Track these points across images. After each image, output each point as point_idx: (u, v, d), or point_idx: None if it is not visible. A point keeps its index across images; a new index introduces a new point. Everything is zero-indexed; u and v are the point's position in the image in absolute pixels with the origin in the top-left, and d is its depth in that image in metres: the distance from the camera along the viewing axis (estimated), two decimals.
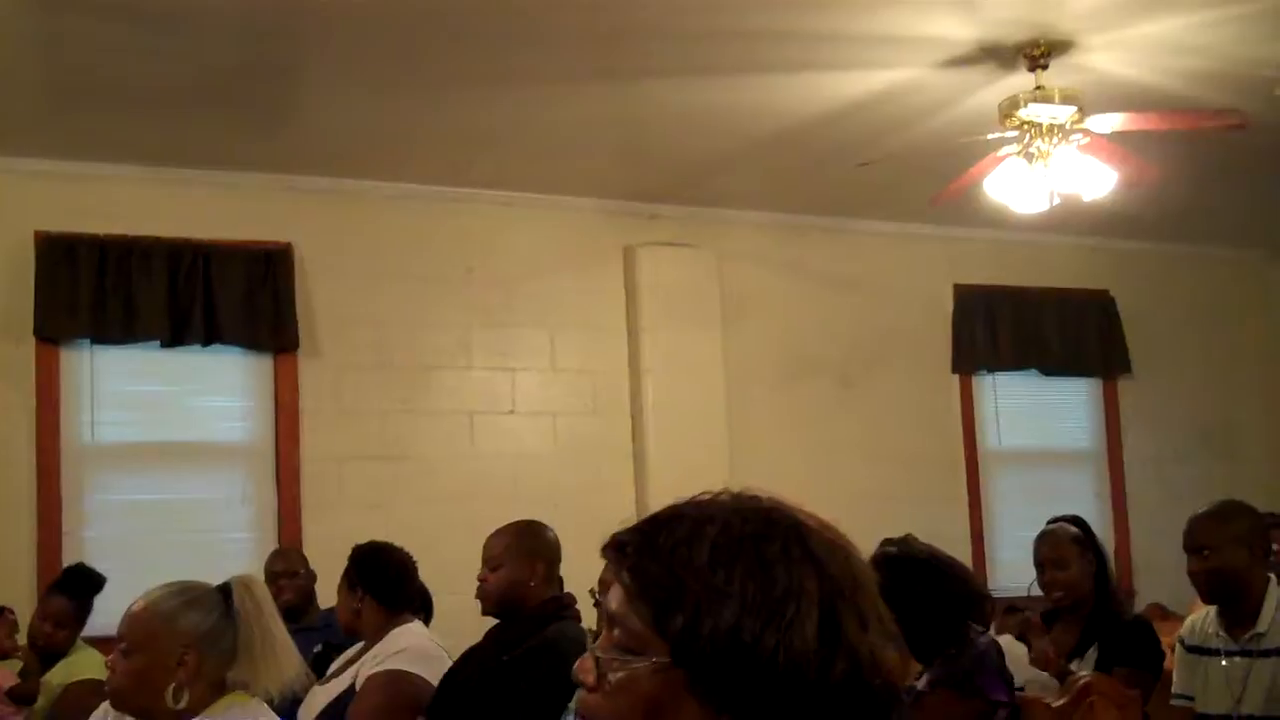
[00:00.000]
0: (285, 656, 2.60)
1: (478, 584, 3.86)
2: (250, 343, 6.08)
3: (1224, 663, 3.56)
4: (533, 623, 3.72)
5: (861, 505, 6.20)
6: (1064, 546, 4.00)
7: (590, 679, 1.19)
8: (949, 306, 7.60)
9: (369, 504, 6.10)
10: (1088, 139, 4.92)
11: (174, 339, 5.89)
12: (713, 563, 1.14)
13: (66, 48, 4.70)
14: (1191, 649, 3.69)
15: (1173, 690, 3.75)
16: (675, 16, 4.65)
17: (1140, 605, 6.86)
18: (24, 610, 4.82)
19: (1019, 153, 4.96)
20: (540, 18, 4.62)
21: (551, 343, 6.70)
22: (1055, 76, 4.92)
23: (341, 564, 4.24)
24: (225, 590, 2.60)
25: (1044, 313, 7.77)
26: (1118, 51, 5.02)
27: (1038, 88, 4.86)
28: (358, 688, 3.82)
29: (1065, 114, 4.83)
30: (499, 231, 6.63)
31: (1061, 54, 4.93)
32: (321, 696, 3.92)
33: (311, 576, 5.50)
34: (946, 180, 5.42)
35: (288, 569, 5.45)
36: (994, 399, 7.72)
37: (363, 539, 4.32)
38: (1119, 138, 4.98)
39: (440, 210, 6.51)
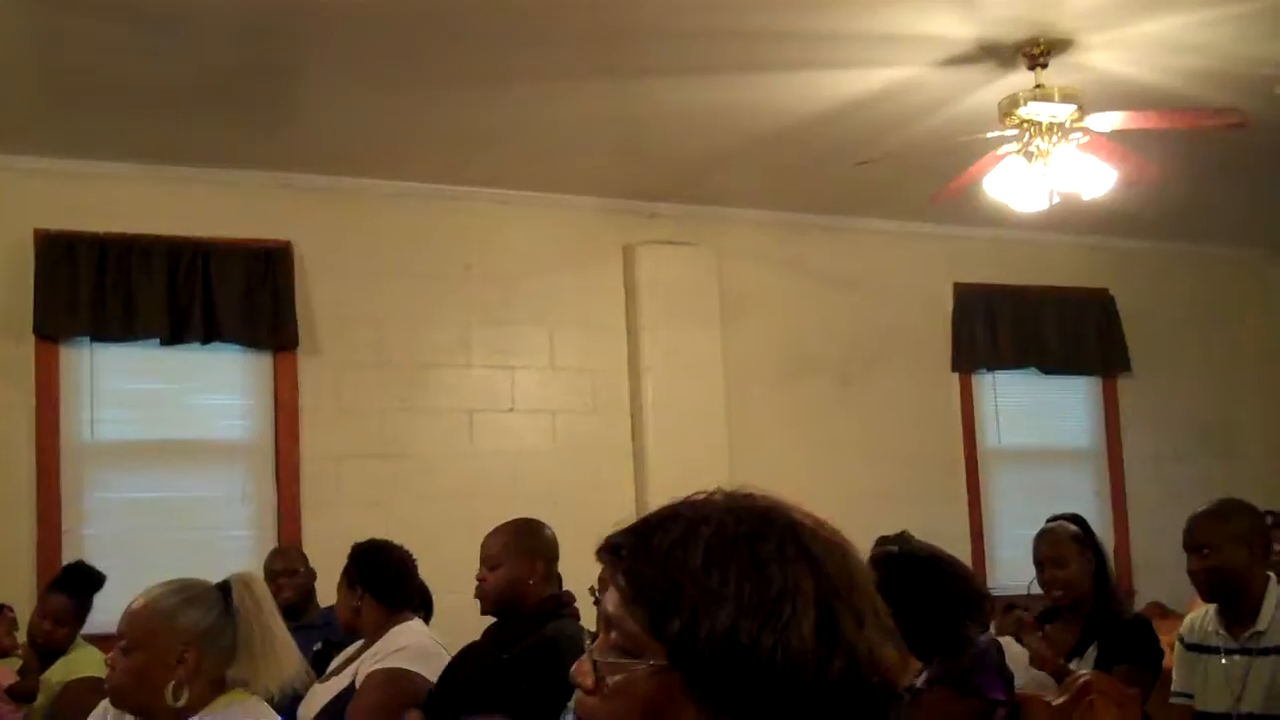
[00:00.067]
0: (285, 654, 2.61)
1: (477, 583, 3.86)
2: (250, 341, 6.08)
3: (1223, 661, 3.57)
4: (531, 621, 3.72)
5: (861, 504, 6.21)
6: (1063, 545, 4.01)
7: (588, 682, 1.19)
8: (949, 305, 7.60)
9: (368, 502, 6.10)
10: (1087, 138, 4.92)
11: (173, 337, 5.89)
12: (708, 564, 1.14)
13: (66, 46, 4.70)
14: (1191, 647, 3.69)
15: (1172, 688, 3.75)
16: (674, 15, 4.64)
17: (1140, 604, 6.86)
18: (23, 608, 4.83)
19: (1019, 151, 4.96)
20: (539, 17, 4.62)
21: (551, 341, 6.70)
22: (1055, 75, 4.92)
23: (341, 562, 4.24)
24: (225, 588, 2.60)
25: (1044, 311, 7.77)
26: (1117, 50, 5.02)
27: (1037, 86, 4.86)
28: (357, 685, 3.82)
29: (1065, 113, 4.83)
30: (498, 229, 6.63)
31: (1061, 53, 4.93)
32: (321, 694, 3.92)
33: (311, 574, 5.50)
34: (946, 179, 5.42)
35: (287, 567, 5.45)
36: (994, 397, 7.72)
37: (362, 537, 4.32)
38: (1118, 136, 4.98)
39: (439, 208, 6.51)
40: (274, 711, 2.61)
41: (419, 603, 4.43)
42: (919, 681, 3.03)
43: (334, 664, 4.16)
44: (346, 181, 6.29)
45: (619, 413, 6.76)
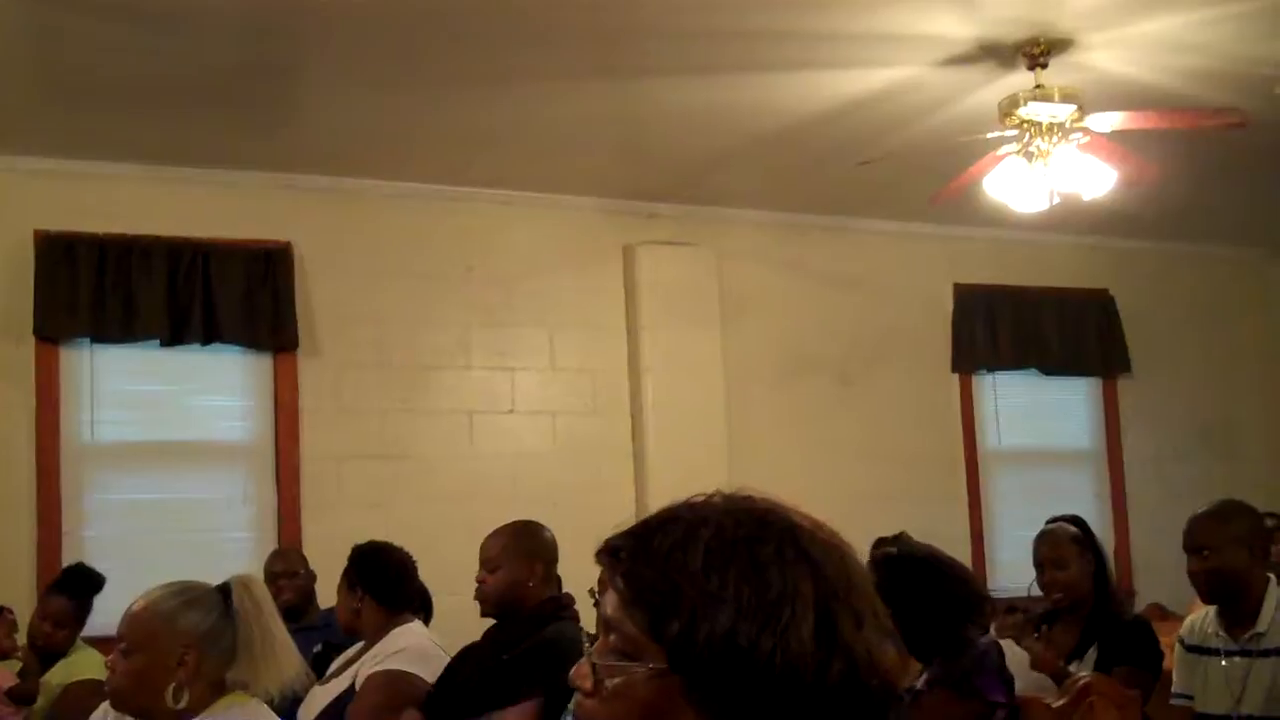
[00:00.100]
0: (285, 656, 2.60)
1: (476, 585, 3.86)
2: (250, 342, 6.08)
3: (1224, 662, 3.57)
4: (531, 623, 3.72)
5: (861, 505, 6.20)
6: (1063, 546, 4.01)
7: (587, 684, 1.19)
8: (949, 305, 7.60)
9: (368, 503, 6.10)
10: (1087, 138, 4.92)
11: (173, 338, 5.89)
12: (707, 567, 1.14)
13: (66, 46, 4.70)
14: (1191, 649, 3.69)
15: (1172, 690, 3.75)
16: (674, 15, 4.64)
17: (1140, 605, 6.86)
18: (23, 610, 4.82)
19: (1019, 152, 4.96)
20: (540, 17, 4.61)
21: (551, 342, 6.70)
22: (1055, 75, 4.91)
23: (341, 564, 4.25)
24: (225, 590, 2.60)
25: (1044, 312, 7.77)
26: (1117, 50, 5.02)
27: (1037, 86, 4.86)
28: (357, 687, 3.82)
29: (1065, 113, 4.83)
30: (498, 230, 6.63)
31: (1061, 52, 4.93)
32: (321, 696, 3.92)
33: (311, 576, 5.50)
34: (946, 179, 5.42)
35: (287, 569, 5.45)
36: (994, 398, 7.72)
37: (362, 538, 4.33)
38: (1119, 136, 4.98)
39: (439, 209, 6.51)
40: (274, 714, 2.61)
41: (419, 604, 4.43)
42: (919, 683, 3.03)
43: (334, 666, 4.16)
44: (347, 182, 6.29)
45: (619, 414, 6.76)
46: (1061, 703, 3.33)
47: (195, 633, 2.51)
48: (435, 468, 6.36)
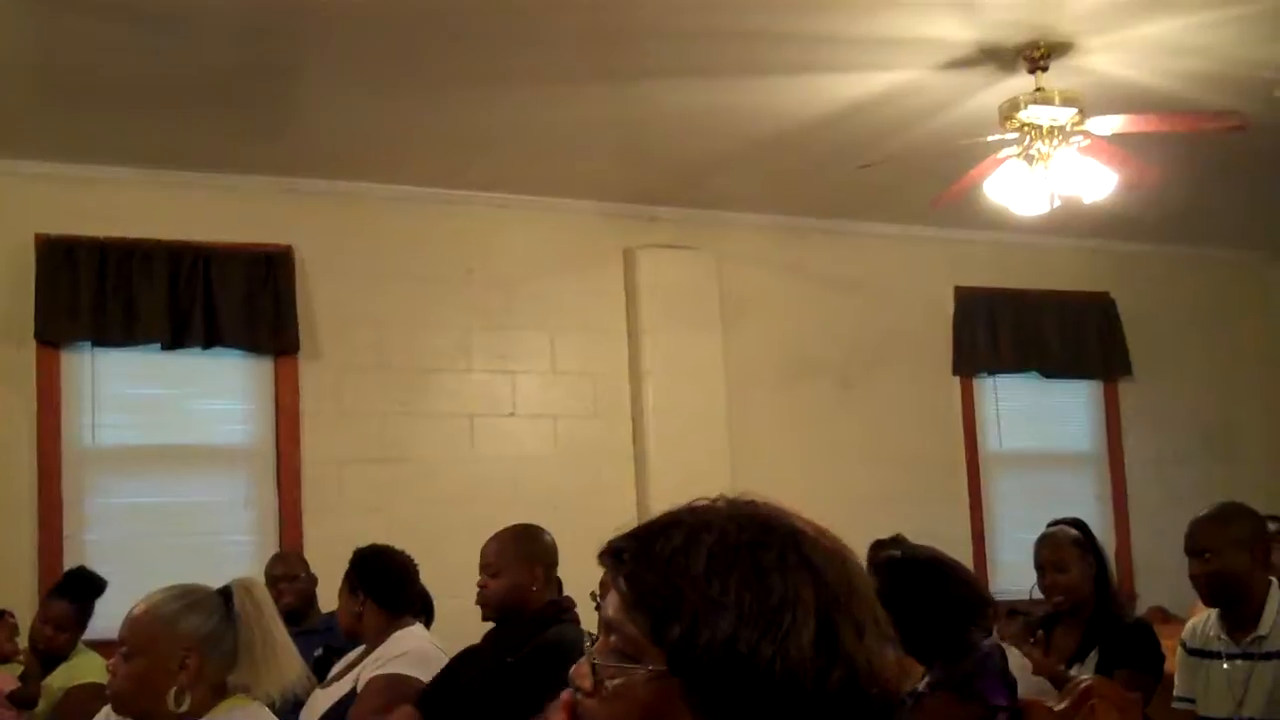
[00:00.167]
0: (286, 659, 2.60)
1: (478, 589, 3.85)
2: (251, 345, 6.08)
3: (1225, 666, 3.56)
4: (533, 625, 3.72)
5: (862, 507, 6.21)
6: (1064, 549, 4.01)
7: (587, 684, 1.19)
8: (949, 308, 7.60)
9: (369, 507, 6.10)
10: (1088, 141, 4.92)
11: (174, 342, 5.89)
12: (709, 572, 1.14)
13: (67, 50, 4.71)
14: (1193, 652, 3.69)
15: (1174, 693, 3.75)
16: (675, 17, 4.65)
17: (1142, 608, 6.86)
18: (25, 613, 4.83)
19: (1019, 155, 4.96)
20: (539, 18, 4.61)
21: (551, 345, 6.70)
22: (1055, 78, 4.92)
23: (342, 567, 4.24)
24: (226, 593, 2.60)
25: (1045, 315, 7.77)
26: (1117, 53, 5.03)
27: (1038, 90, 4.86)
28: (359, 691, 3.82)
29: (1065, 116, 4.83)
30: (498, 233, 6.63)
31: (1061, 56, 4.94)
32: (323, 700, 3.92)
33: (312, 580, 5.49)
34: (947, 182, 5.42)
35: (287, 572, 5.44)
36: (995, 401, 7.72)
37: (363, 542, 4.33)
38: (1119, 139, 4.98)
39: (439, 212, 6.52)
40: (275, 717, 2.61)
41: (420, 608, 4.43)
42: (921, 686, 3.03)
43: (335, 669, 4.16)
44: (347, 185, 6.29)
45: (620, 417, 6.76)
46: (1063, 706, 3.33)
47: (196, 636, 2.51)
48: (436, 471, 6.36)
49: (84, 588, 4.60)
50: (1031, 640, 3.87)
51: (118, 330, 5.81)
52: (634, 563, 1.18)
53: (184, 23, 4.51)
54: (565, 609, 3.85)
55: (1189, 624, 3.83)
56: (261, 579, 3.78)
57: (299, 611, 5.23)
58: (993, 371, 7.69)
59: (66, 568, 5.19)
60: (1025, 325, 7.72)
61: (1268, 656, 3.48)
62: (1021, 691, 3.33)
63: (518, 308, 6.63)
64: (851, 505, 6.05)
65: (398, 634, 3.99)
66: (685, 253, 6.90)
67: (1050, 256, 7.75)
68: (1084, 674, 3.64)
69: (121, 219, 5.86)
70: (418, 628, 4.12)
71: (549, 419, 6.65)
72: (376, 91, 5.22)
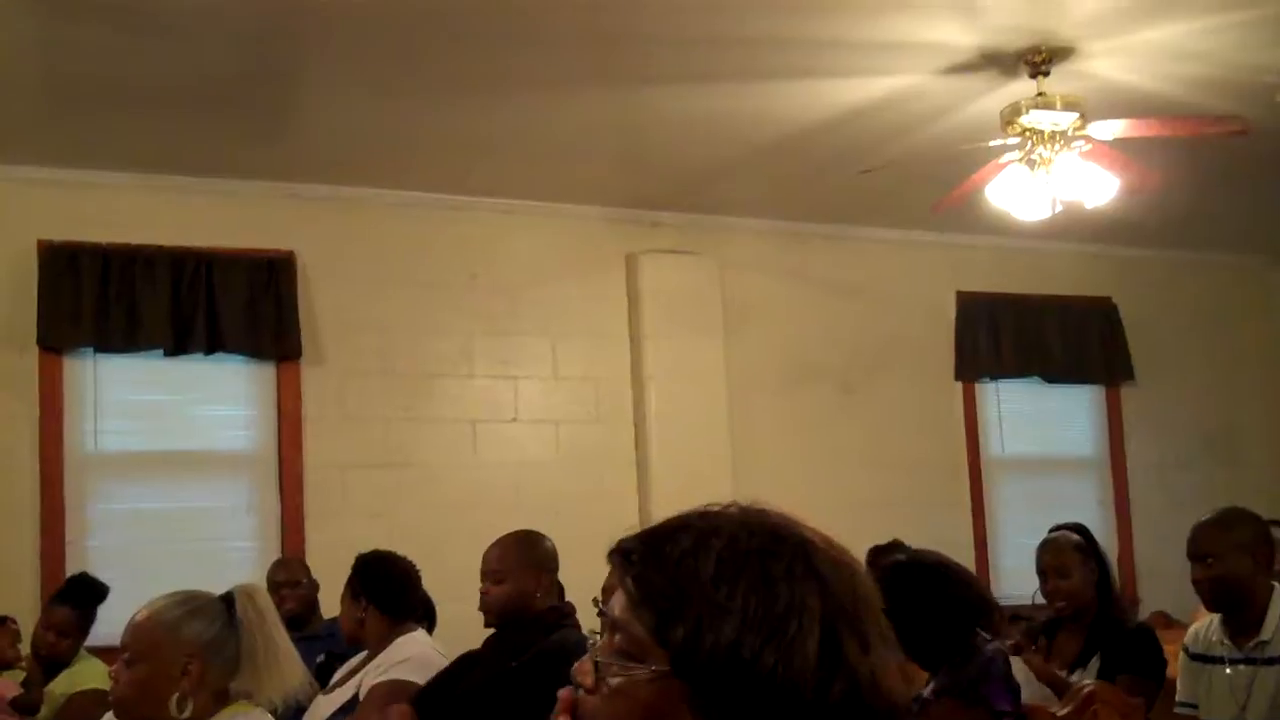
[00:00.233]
0: (289, 665, 2.60)
1: (481, 596, 3.85)
2: (253, 351, 6.08)
3: (1228, 671, 3.56)
4: (536, 630, 3.72)
5: (864, 512, 6.23)
6: (1066, 554, 4.00)
7: (588, 681, 1.19)
8: (951, 313, 7.60)
9: (372, 512, 6.10)
10: (1089, 145, 4.92)
11: (177, 348, 5.89)
12: (717, 577, 1.14)
13: (69, 56, 4.71)
14: (1195, 657, 3.68)
15: (1177, 698, 3.74)
16: (677, 23, 4.65)
17: (1144, 613, 6.85)
18: (27, 620, 4.83)
19: (1021, 159, 4.96)
20: (541, 22, 4.62)
21: (554, 350, 6.70)
22: (1057, 83, 4.92)
23: (345, 572, 4.24)
24: (228, 599, 2.60)
25: (1046, 320, 7.77)
26: (1119, 58, 5.03)
27: (1039, 94, 4.86)
28: (361, 697, 3.82)
29: (1067, 120, 4.83)
30: (501, 239, 6.63)
31: (1063, 60, 4.94)
32: (325, 706, 3.92)
33: (314, 585, 5.49)
34: (948, 187, 5.42)
35: (289, 578, 5.44)
36: (997, 406, 7.72)
37: (366, 547, 4.32)
38: (1121, 144, 4.98)
39: (442, 218, 6.52)
40: None
41: (422, 613, 4.43)
42: (926, 692, 3.03)
43: (338, 675, 4.16)
44: (349, 191, 6.29)
45: (622, 422, 6.76)
46: (1065, 711, 3.33)
47: (199, 642, 2.51)
48: (438, 476, 6.36)
49: (86, 594, 4.60)
50: (1034, 647, 3.86)
51: (120, 336, 5.81)
52: (642, 563, 1.18)
53: (185, 28, 4.51)
54: (567, 614, 3.85)
55: (1191, 629, 3.83)
56: (264, 585, 3.79)
57: (301, 617, 5.23)
58: (995, 376, 7.69)
59: (69, 574, 5.19)
60: (1027, 330, 7.72)
61: (1270, 662, 3.47)
62: (1025, 697, 3.33)
63: (520, 313, 6.63)
64: (853, 510, 6.06)
65: (400, 640, 3.98)
66: (687, 258, 6.91)
67: (1052, 261, 7.75)
68: (1086, 679, 3.64)
69: (124, 225, 5.86)
70: (420, 633, 4.12)
71: (551, 424, 6.65)
72: (378, 96, 5.22)
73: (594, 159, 6.13)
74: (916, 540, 4.15)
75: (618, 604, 1.20)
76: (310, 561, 5.69)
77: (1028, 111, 4.81)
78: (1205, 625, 3.71)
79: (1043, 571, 4.04)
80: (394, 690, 3.76)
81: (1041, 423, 7.88)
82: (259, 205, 6.17)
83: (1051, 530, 4.16)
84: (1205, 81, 5.21)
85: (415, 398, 6.39)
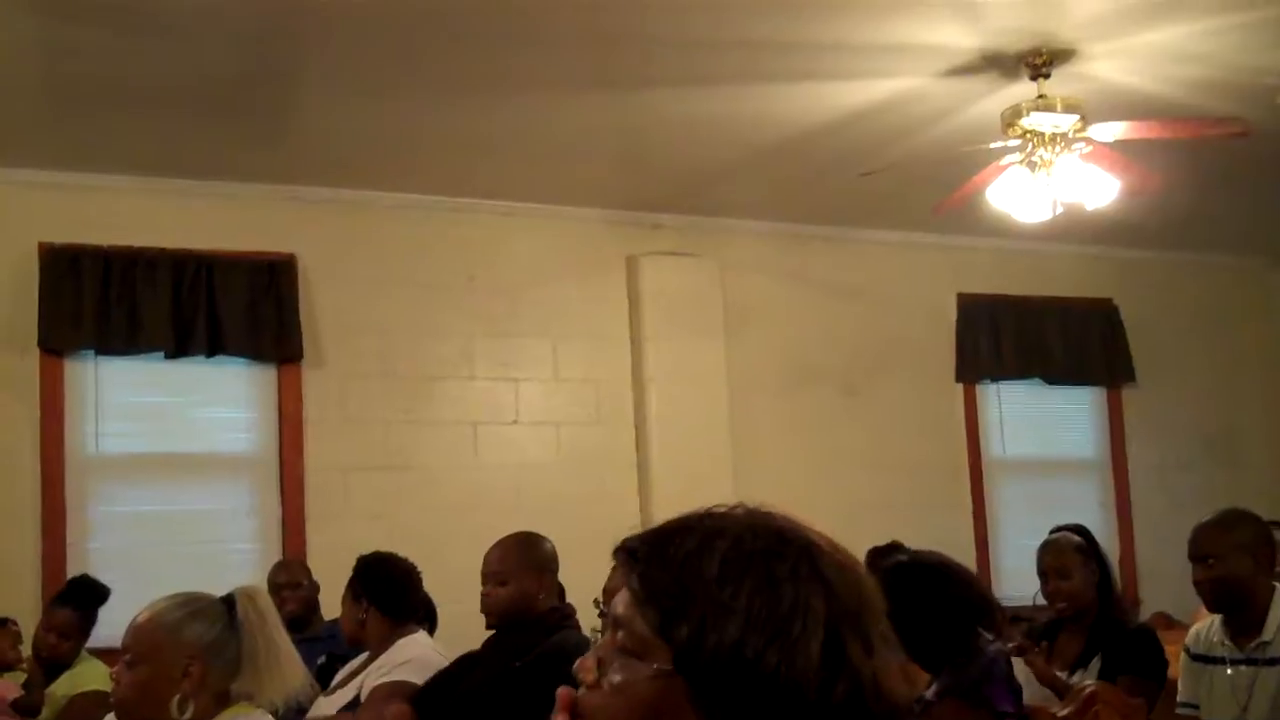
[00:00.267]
0: (290, 667, 2.60)
1: (483, 598, 3.85)
2: (254, 353, 6.08)
3: (1229, 671, 3.56)
4: (538, 631, 3.72)
5: (865, 514, 6.23)
6: (1067, 556, 4.01)
7: (590, 677, 1.19)
8: (952, 315, 7.60)
9: (373, 514, 6.10)
10: (1090, 147, 4.92)
11: (178, 350, 5.89)
12: (722, 577, 1.14)
13: (70, 59, 4.71)
14: (1196, 657, 3.69)
15: (1178, 699, 3.74)
16: (678, 25, 4.65)
17: (1145, 614, 6.85)
18: (28, 621, 4.83)
19: (1021, 162, 4.96)
20: (542, 24, 4.62)
21: (554, 352, 6.70)
22: (1057, 85, 4.92)
23: (346, 574, 4.25)
24: (229, 601, 2.60)
25: (1047, 321, 7.77)
26: (1120, 60, 5.03)
27: (1040, 96, 4.86)
28: (363, 699, 3.82)
29: (1067, 123, 4.83)
30: (501, 241, 6.64)
31: (1064, 63, 4.94)
32: (326, 707, 3.92)
33: (314, 587, 5.50)
34: (949, 189, 5.42)
35: (290, 580, 5.44)
36: (998, 408, 7.72)
37: (367, 549, 4.33)
38: (1121, 146, 4.99)
39: (442, 220, 6.52)
40: None
41: (423, 615, 4.43)
42: (929, 693, 3.02)
43: (339, 677, 4.16)
44: (349, 193, 6.30)
45: (623, 424, 6.76)
46: (1067, 712, 3.33)
47: (200, 644, 2.51)
48: (439, 478, 6.36)
49: (87, 596, 4.60)
50: (1037, 649, 3.86)
51: (121, 338, 5.81)
52: (647, 561, 1.19)
53: (185, 29, 4.52)
54: (568, 615, 3.86)
55: (1193, 630, 3.83)
56: (264, 587, 3.79)
57: (302, 619, 5.23)
58: (995, 378, 7.69)
59: (70, 576, 5.19)
60: (1028, 332, 7.72)
61: (1272, 662, 3.47)
62: (1025, 698, 3.33)
63: (521, 315, 6.63)
64: (854, 512, 6.07)
65: (401, 641, 3.99)
66: (688, 260, 6.91)
67: (1053, 263, 7.75)
68: (1087, 680, 3.64)
69: (125, 227, 5.87)
70: (421, 635, 4.12)
71: (552, 426, 6.65)
72: (378, 97, 5.22)
73: (594, 161, 6.13)
74: (917, 542, 4.14)
75: (621, 601, 1.20)
76: (311, 564, 5.69)
77: (1028, 113, 4.81)
78: (1206, 626, 3.71)
79: (1043, 573, 4.04)
80: (395, 691, 3.77)
81: (1042, 424, 7.89)
82: (260, 208, 6.17)
83: (1052, 531, 4.17)
84: (1206, 83, 5.21)
85: (416, 400, 6.39)
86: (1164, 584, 7.00)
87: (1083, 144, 4.90)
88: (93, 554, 5.69)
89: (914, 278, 7.51)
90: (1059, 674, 3.81)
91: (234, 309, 5.99)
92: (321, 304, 6.25)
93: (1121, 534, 7.75)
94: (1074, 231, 6.66)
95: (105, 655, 4.24)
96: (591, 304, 6.79)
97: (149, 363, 5.90)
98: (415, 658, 3.90)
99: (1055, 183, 4.90)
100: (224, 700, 2.53)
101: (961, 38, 4.82)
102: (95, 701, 3.96)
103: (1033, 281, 7.74)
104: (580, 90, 5.23)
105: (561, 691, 1.21)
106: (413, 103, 5.29)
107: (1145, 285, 8.03)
